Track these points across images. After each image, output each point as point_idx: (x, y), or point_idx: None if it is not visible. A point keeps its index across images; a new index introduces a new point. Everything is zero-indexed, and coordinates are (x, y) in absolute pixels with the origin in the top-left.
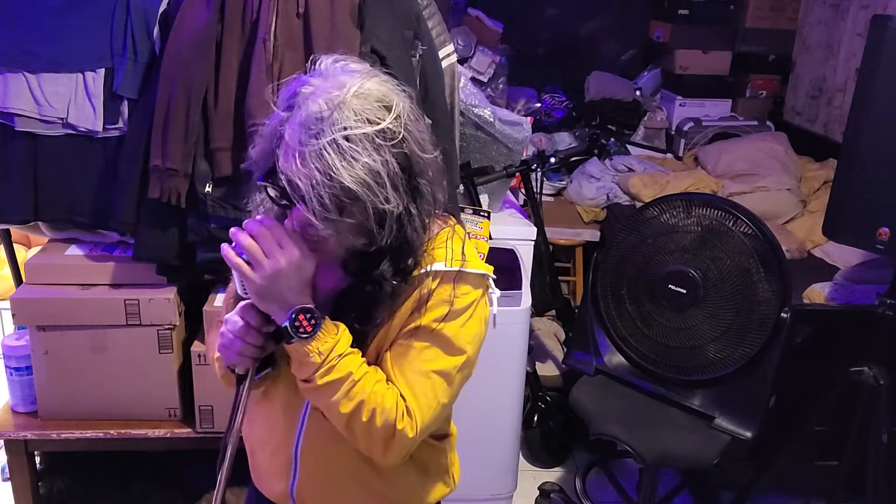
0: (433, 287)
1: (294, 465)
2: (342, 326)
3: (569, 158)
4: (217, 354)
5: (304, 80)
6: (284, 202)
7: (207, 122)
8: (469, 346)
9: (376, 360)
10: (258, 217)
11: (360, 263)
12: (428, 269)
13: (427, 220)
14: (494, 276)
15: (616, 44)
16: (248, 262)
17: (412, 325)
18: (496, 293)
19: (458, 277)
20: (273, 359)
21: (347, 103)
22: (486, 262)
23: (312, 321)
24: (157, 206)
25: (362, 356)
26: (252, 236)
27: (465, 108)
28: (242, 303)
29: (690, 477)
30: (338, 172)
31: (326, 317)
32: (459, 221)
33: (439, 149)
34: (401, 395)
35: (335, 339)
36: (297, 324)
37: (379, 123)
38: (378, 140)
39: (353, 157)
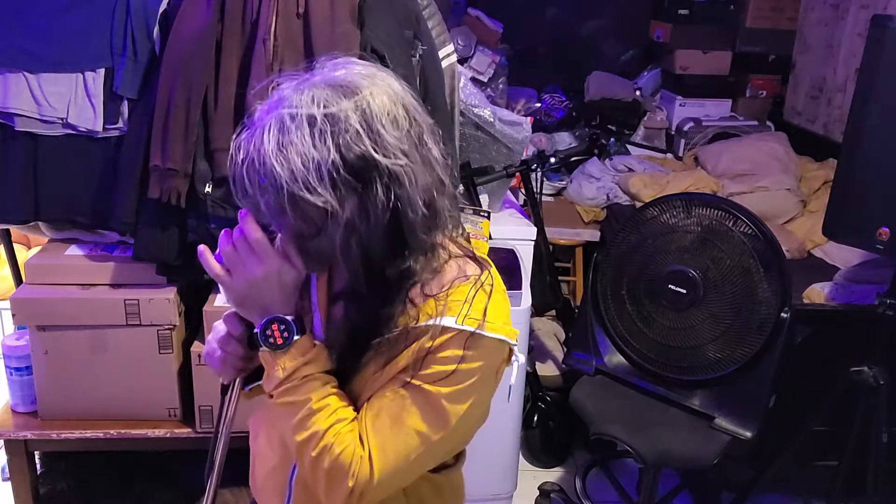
0: (436, 343)
1: (288, 491)
2: (319, 348)
3: (569, 158)
4: None
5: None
6: None
7: (207, 123)
8: (458, 420)
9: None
10: (241, 222)
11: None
12: (435, 322)
13: (399, 242)
14: (516, 343)
15: (616, 44)
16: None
17: (405, 375)
18: (520, 360)
19: (470, 340)
20: (259, 375)
21: (312, 86)
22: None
23: (285, 333)
24: (157, 206)
25: (341, 390)
26: (232, 243)
27: (465, 108)
28: (228, 311)
29: (690, 477)
30: (266, 150)
31: (307, 334)
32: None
33: (441, 167)
34: (360, 440)
35: (305, 358)
36: (268, 332)
37: (329, 108)
38: (322, 126)
39: (286, 137)
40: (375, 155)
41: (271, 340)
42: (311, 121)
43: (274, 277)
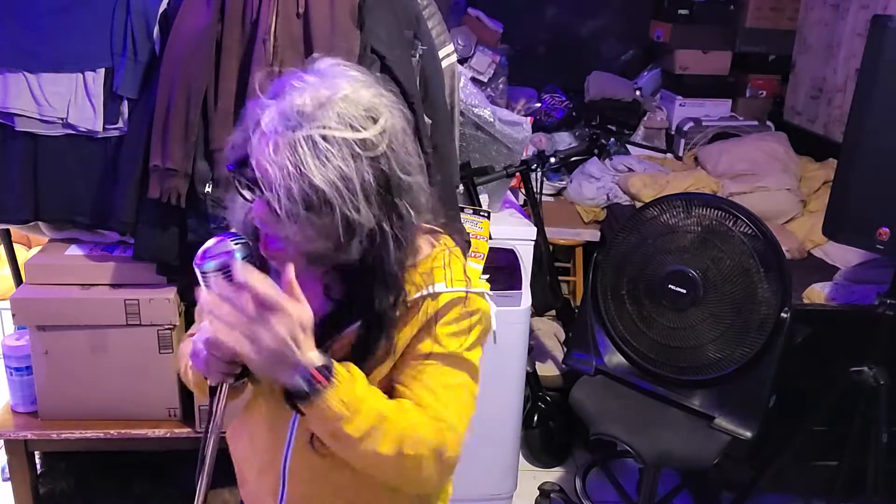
0: (439, 308)
1: (282, 486)
2: (350, 365)
3: (569, 158)
4: (189, 363)
5: (299, 75)
6: (250, 193)
7: (207, 123)
8: (478, 363)
9: (387, 390)
10: (240, 274)
11: (346, 288)
12: (428, 291)
13: (405, 244)
14: (490, 293)
15: (616, 44)
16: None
17: (424, 349)
18: (493, 308)
19: (466, 298)
20: (245, 373)
21: (333, 104)
22: (485, 261)
23: (325, 371)
24: (156, 206)
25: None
26: (237, 308)
27: (465, 108)
28: None
29: (690, 477)
30: (308, 169)
31: (332, 359)
32: (458, 240)
33: (428, 177)
34: (434, 416)
35: (352, 380)
36: (312, 381)
37: (360, 132)
38: (356, 148)
39: (326, 158)
40: (400, 174)
41: (318, 387)
42: (346, 143)
43: (297, 327)
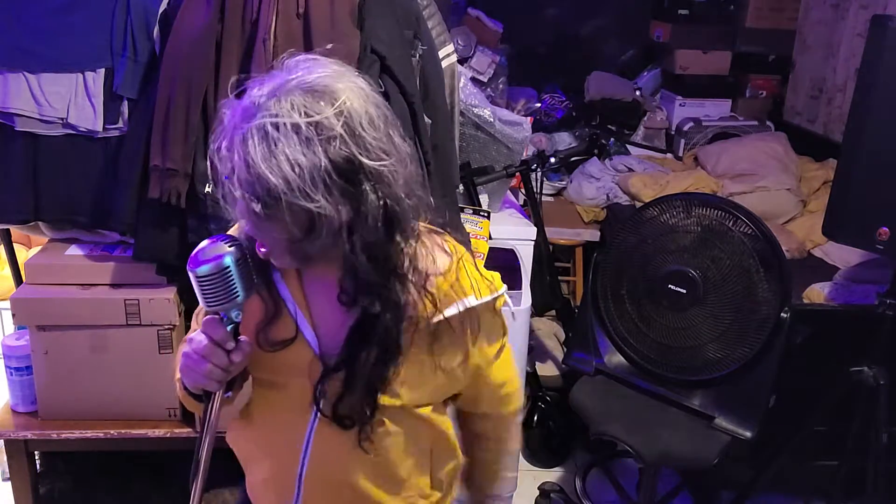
0: (481, 325)
1: (297, 490)
2: None
3: (569, 158)
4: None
5: (274, 73)
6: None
7: (207, 122)
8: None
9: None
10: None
11: (351, 292)
12: (463, 305)
13: (397, 228)
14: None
15: (616, 44)
16: None
17: (472, 364)
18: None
19: (495, 303)
20: (233, 381)
21: (288, 93)
22: (485, 261)
23: None
24: (157, 206)
25: (397, 397)
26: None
27: (465, 108)
28: (206, 318)
29: (690, 477)
30: (255, 160)
31: None
32: (459, 239)
33: (427, 177)
34: (511, 390)
35: None
36: None
37: (312, 116)
38: (308, 133)
39: (274, 146)
40: (361, 158)
41: None
42: (297, 129)
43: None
